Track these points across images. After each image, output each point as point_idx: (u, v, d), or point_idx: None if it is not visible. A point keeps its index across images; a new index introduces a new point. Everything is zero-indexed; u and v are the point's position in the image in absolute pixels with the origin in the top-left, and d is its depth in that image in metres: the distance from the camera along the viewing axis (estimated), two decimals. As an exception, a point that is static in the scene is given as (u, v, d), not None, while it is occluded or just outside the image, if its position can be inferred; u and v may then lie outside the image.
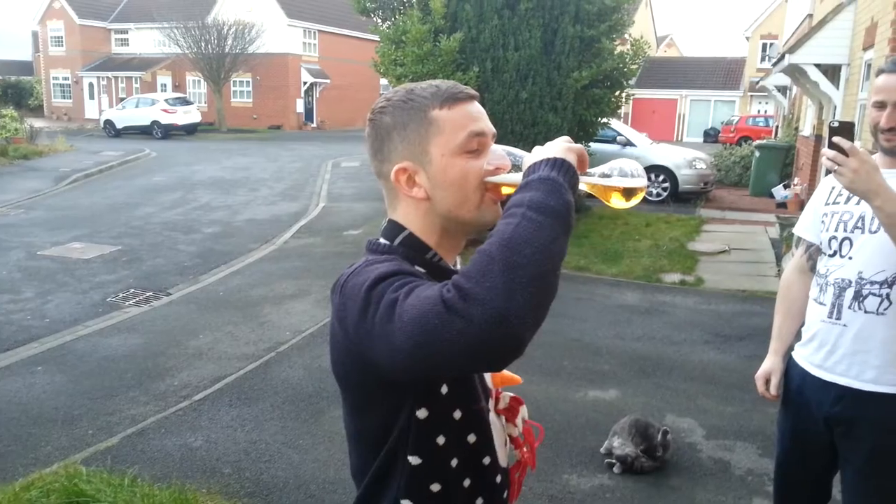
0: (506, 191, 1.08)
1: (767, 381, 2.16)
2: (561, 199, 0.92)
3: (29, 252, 8.54)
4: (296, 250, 8.91)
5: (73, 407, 4.35)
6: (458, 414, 1.08)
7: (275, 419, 4.17)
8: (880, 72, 1.87)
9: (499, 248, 0.87)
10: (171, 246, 9.05)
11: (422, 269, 1.07)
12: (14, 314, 6.25)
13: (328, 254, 8.64)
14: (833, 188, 2.02)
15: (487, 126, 1.10)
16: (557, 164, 0.96)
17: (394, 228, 1.13)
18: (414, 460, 1.06)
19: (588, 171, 1.03)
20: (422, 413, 1.05)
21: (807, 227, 2.11)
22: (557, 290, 0.90)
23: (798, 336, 2.12)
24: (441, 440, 1.07)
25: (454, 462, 1.09)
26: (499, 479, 1.17)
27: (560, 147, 0.99)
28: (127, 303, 6.62)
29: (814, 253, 2.09)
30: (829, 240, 1.97)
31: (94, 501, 2.86)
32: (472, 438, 1.11)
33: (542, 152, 1.00)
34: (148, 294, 6.89)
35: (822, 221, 2.01)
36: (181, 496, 3.06)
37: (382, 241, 1.13)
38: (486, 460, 1.14)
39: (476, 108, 1.10)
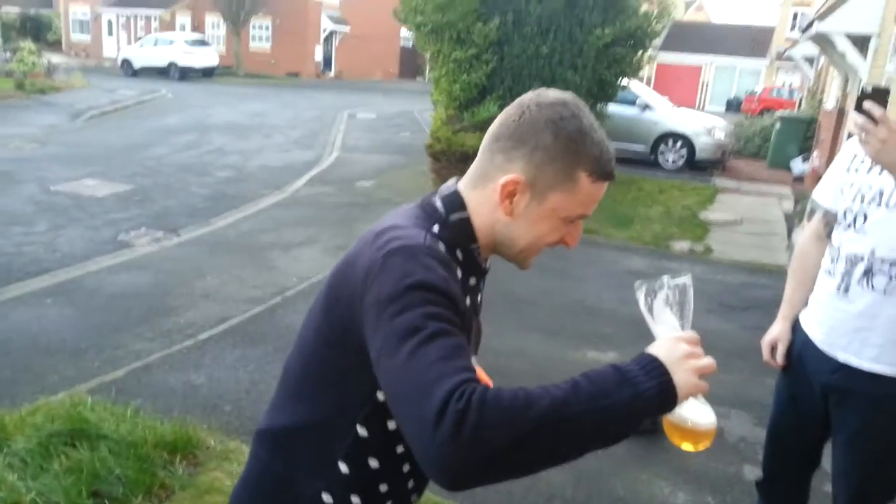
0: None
1: (774, 349, 2.12)
2: (632, 426, 0.89)
3: (42, 186, 8.60)
4: (307, 198, 8.92)
5: (81, 339, 4.43)
6: None
7: (276, 362, 4.23)
8: None
9: (551, 422, 0.83)
10: (182, 188, 9.08)
11: (459, 255, 1.08)
12: (26, 246, 6.33)
13: (339, 203, 8.65)
14: (855, 155, 1.94)
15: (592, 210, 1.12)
16: (668, 392, 0.90)
17: (457, 203, 1.09)
18: (362, 432, 1.08)
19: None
20: (381, 396, 1.05)
21: (825, 192, 2.03)
22: None
23: (806, 302, 2.08)
24: (392, 425, 1.07)
25: (399, 448, 1.10)
26: None
27: (687, 368, 0.93)
28: (137, 241, 6.68)
29: (831, 219, 2.01)
30: (846, 211, 1.90)
31: (97, 429, 2.93)
32: None
33: (670, 349, 0.95)
34: (158, 234, 6.94)
35: (842, 190, 1.93)
36: (182, 430, 3.12)
37: (439, 205, 1.10)
38: None
39: (604, 190, 1.10)
